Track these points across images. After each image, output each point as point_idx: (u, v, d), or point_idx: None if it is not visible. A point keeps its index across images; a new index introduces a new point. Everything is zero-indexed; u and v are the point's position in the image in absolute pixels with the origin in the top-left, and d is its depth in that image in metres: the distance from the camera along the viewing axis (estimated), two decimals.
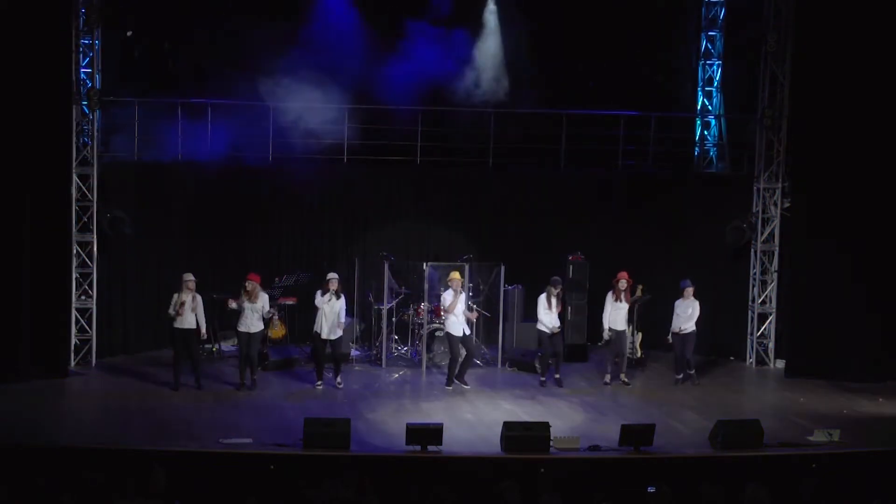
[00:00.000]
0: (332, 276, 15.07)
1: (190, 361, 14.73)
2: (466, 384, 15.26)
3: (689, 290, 15.51)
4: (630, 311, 15.88)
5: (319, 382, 15.03)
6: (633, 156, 18.41)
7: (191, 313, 14.50)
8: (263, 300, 14.81)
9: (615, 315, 15.56)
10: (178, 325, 14.51)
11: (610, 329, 15.60)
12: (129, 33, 17.62)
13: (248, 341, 14.72)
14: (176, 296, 14.52)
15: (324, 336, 14.90)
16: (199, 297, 14.64)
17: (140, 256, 16.94)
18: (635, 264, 16.45)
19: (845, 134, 16.06)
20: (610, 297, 15.62)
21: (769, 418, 13.20)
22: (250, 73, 17.24)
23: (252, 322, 14.70)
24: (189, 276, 14.60)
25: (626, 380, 15.64)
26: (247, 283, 14.70)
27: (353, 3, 17.60)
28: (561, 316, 15.68)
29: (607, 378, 15.66)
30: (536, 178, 18.54)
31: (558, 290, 15.47)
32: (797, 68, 16.49)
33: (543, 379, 15.49)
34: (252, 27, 17.29)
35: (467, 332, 15.34)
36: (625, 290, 15.52)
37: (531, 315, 16.70)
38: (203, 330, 14.81)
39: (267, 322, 15.11)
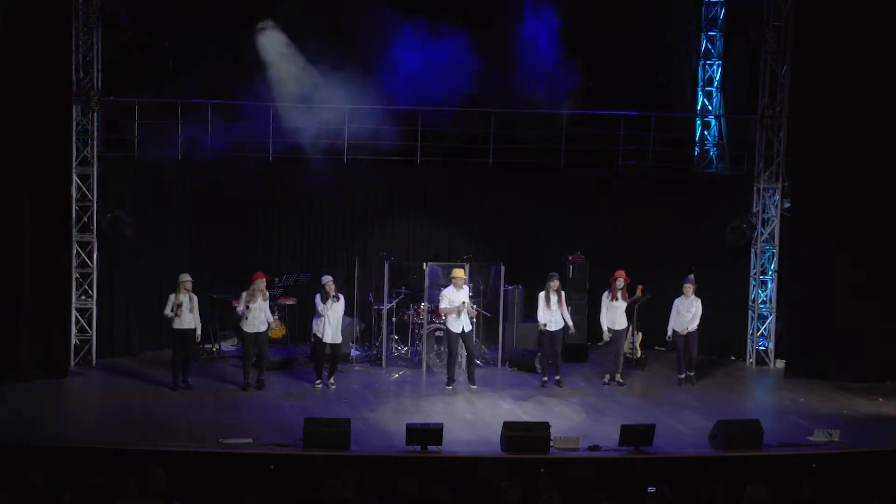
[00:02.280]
0: (327, 279, 15.05)
1: (184, 361, 14.73)
2: (474, 384, 15.23)
3: (690, 288, 15.50)
4: (629, 311, 15.85)
5: (319, 381, 15.05)
6: (633, 156, 18.41)
7: (189, 313, 14.51)
8: (267, 298, 14.90)
9: (612, 314, 15.51)
10: (177, 325, 14.52)
11: (609, 329, 15.56)
12: (128, 33, 17.61)
13: (257, 341, 14.73)
14: (172, 296, 14.53)
15: (326, 340, 14.91)
16: (195, 298, 14.65)
17: (140, 256, 16.93)
18: (635, 264, 16.46)
19: (845, 134, 16.06)
20: (606, 296, 15.55)
21: (769, 418, 13.20)
22: (251, 72, 17.25)
23: (261, 321, 14.71)
24: (186, 277, 14.61)
25: (620, 380, 15.56)
26: (258, 283, 14.67)
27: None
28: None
29: (606, 378, 15.64)
30: (536, 178, 18.53)
31: (556, 286, 15.40)
32: (797, 68, 16.48)
33: (545, 379, 15.47)
34: (252, 26, 17.35)
35: (467, 328, 15.30)
36: (622, 289, 15.44)
37: (531, 315, 16.69)
38: (199, 332, 14.83)
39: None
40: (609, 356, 15.76)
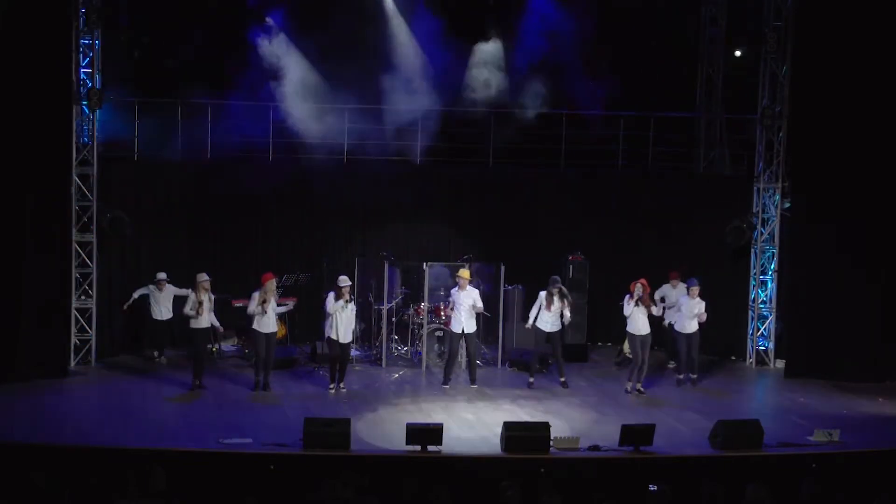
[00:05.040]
0: (344, 279, 14.84)
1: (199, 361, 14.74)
2: (475, 384, 15.24)
3: (696, 290, 15.48)
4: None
5: (333, 385, 14.92)
6: (633, 156, 18.41)
7: (208, 313, 14.57)
8: (276, 298, 14.92)
9: (635, 321, 15.04)
10: (195, 325, 14.54)
11: (632, 334, 15.18)
12: (129, 33, 17.61)
13: (268, 341, 14.69)
14: (193, 296, 14.54)
15: (341, 341, 14.76)
16: (212, 297, 14.73)
17: (140, 256, 16.94)
18: (635, 264, 16.47)
19: (845, 133, 16.07)
20: (628, 301, 15.03)
21: (769, 418, 13.19)
22: (251, 73, 17.27)
23: (273, 322, 14.70)
24: (203, 277, 14.64)
25: (640, 388, 15.16)
26: (269, 284, 14.62)
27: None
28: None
29: (628, 387, 15.22)
30: (536, 178, 18.53)
31: (555, 289, 15.23)
32: (797, 68, 16.48)
33: (532, 380, 15.38)
34: (253, 27, 17.37)
35: (468, 329, 15.31)
36: (641, 295, 14.91)
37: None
38: (218, 326, 14.92)
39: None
40: (633, 365, 15.22)
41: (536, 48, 17.69)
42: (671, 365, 16.41)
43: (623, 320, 15.24)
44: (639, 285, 15.04)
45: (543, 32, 17.70)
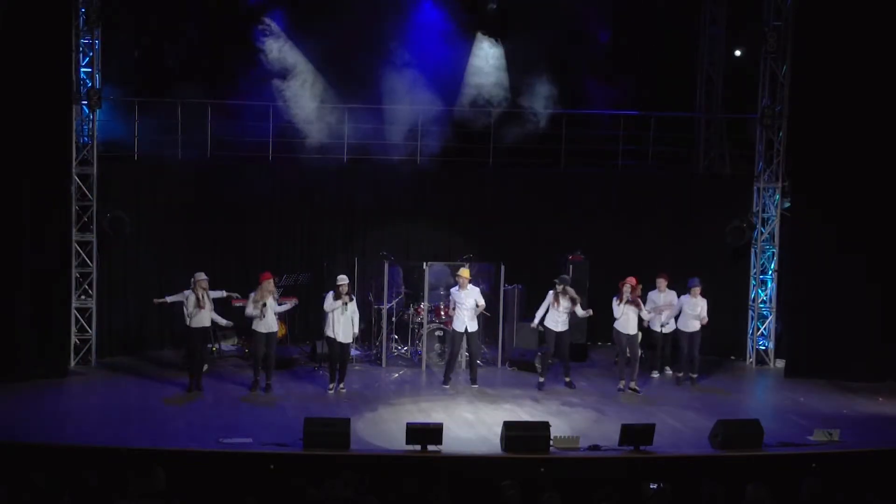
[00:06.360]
0: (342, 278, 14.78)
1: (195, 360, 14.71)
2: (476, 384, 15.25)
3: (697, 289, 15.49)
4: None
5: (332, 385, 14.90)
6: (633, 156, 18.40)
7: (207, 312, 14.54)
8: (276, 297, 14.92)
9: (624, 320, 15.16)
10: (194, 324, 14.50)
11: (619, 332, 15.25)
12: (128, 33, 17.62)
13: (268, 341, 14.66)
14: (192, 295, 14.50)
15: (339, 340, 14.72)
16: (209, 295, 14.68)
17: (140, 256, 16.94)
18: (635, 264, 16.44)
19: (845, 133, 16.08)
20: (616, 303, 15.18)
21: (769, 418, 13.20)
22: (250, 72, 17.27)
23: (273, 321, 14.67)
24: (202, 276, 14.60)
25: (635, 387, 15.24)
26: (267, 283, 14.59)
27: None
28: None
29: (621, 385, 15.28)
30: (536, 178, 18.53)
31: (560, 288, 15.27)
32: (797, 68, 16.50)
33: (542, 380, 15.39)
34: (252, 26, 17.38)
35: (471, 328, 15.28)
36: (630, 294, 15.02)
37: (531, 315, 16.68)
38: (220, 321, 14.82)
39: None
40: (622, 363, 15.31)
41: (537, 47, 17.68)
42: (655, 375, 16.26)
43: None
44: (627, 285, 15.07)
45: (544, 31, 17.70)
